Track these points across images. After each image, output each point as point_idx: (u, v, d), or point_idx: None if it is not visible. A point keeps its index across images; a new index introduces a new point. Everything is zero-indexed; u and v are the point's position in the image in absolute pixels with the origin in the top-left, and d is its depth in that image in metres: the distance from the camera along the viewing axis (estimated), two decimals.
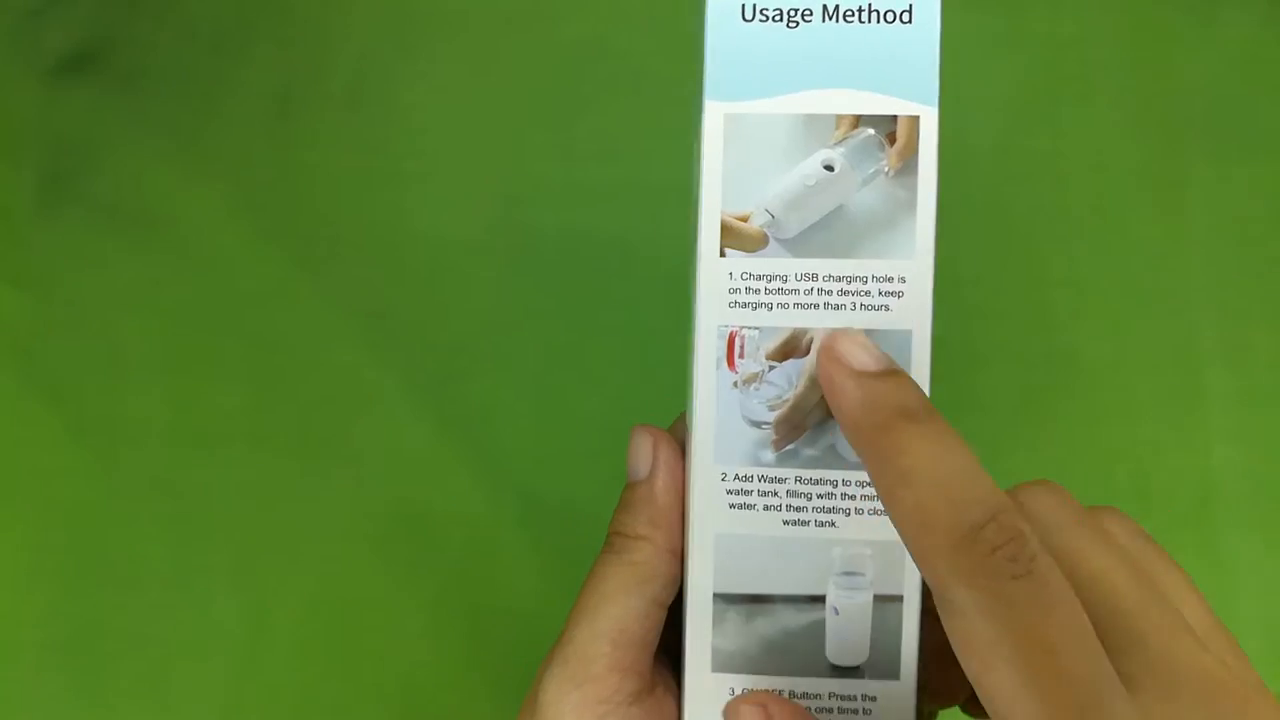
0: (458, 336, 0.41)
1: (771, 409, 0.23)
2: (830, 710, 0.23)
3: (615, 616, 0.23)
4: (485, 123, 0.42)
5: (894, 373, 0.20)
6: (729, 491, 0.23)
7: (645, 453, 0.24)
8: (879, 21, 0.21)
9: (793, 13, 0.21)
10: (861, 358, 0.20)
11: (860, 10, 0.21)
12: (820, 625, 0.23)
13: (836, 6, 0.21)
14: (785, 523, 0.23)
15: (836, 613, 0.23)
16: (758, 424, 0.23)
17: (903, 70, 0.22)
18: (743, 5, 0.21)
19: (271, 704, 0.39)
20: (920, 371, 0.23)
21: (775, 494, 0.23)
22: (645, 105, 0.42)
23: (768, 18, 0.21)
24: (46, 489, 0.40)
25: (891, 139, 0.22)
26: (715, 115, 0.21)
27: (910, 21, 0.22)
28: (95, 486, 0.40)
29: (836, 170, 0.21)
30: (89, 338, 0.41)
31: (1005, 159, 0.42)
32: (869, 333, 0.22)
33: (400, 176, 0.42)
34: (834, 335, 0.21)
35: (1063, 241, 0.42)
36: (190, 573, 0.40)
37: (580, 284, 0.41)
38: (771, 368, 0.23)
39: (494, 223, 0.42)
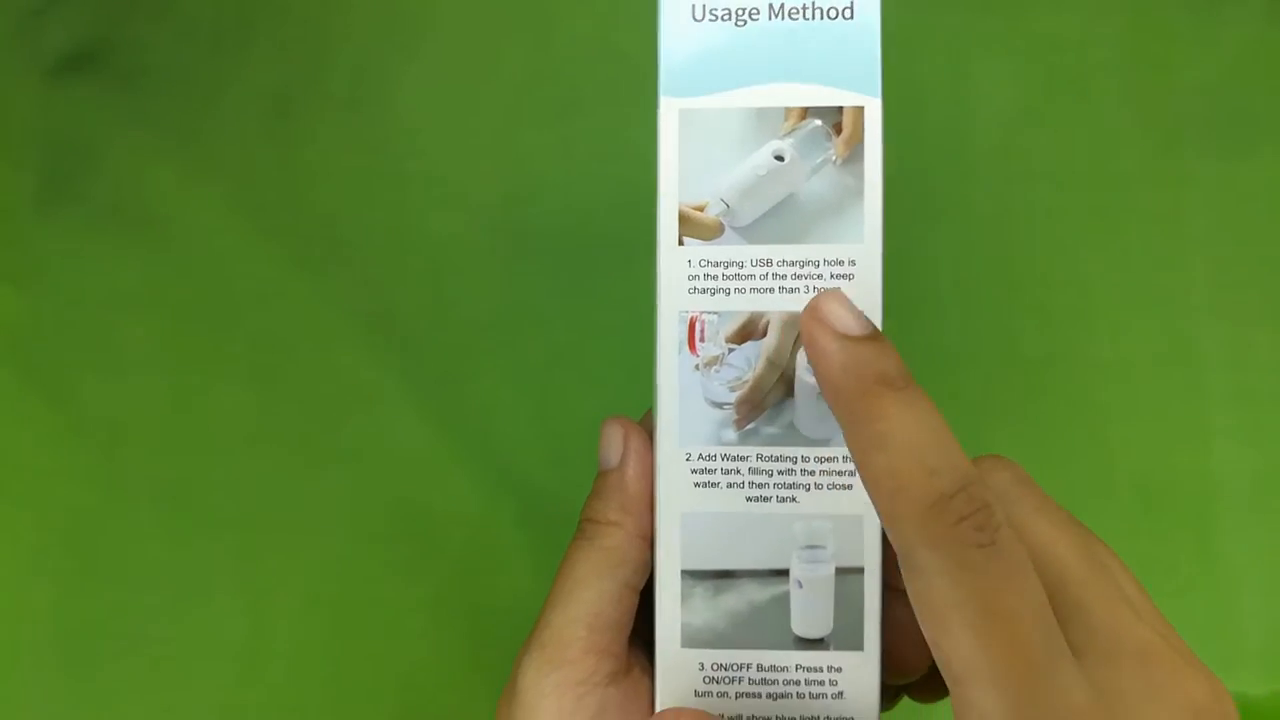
0: (458, 336, 0.41)
1: (732, 390, 0.24)
2: (797, 682, 0.24)
3: (589, 601, 0.24)
4: (485, 123, 0.42)
5: (876, 338, 0.21)
6: (693, 471, 0.24)
7: (616, 442, 0.25)
8: (822, 18, 0.23)
9: (740, 12, 0.23)
10: (845, 320, 0.21)
11: (804, 8, 0.22)
12: (785, 599, 0.24)
13: (782, 5, 0.22)
14: (748, 499, 0.24)
15: (800, 586, 0.24)
16: (719, 405, 0.24)
17: (846, 64, 0.23)
18: (693, 5, 0.22)
19: (271, 703, 0.39)
20: None
21: (738, 472, 0.24)
22: (645, 105, 0.42)
23: (717, 17, 0.22)
24: (46, 489, 0.40)
25: (838, 129, 0.23)
26: (670, 111, 0.23)
27: (852, 17, 0.23)
28: (95, 486, 0.40)
29: (786, 160, 0.22)
30: (89, 337, 0.41)
31: (1005, 159, 0.42)
32: None
33: (400, 176, 0.42)
34: (820, 295, 0.21)
35: (1063, 241, 0.42)
36: (190, 573, 0.40)
37: (580, 284, 0.41)
38: (731, 350, 0.24)
39: (494, 223, 0.42)
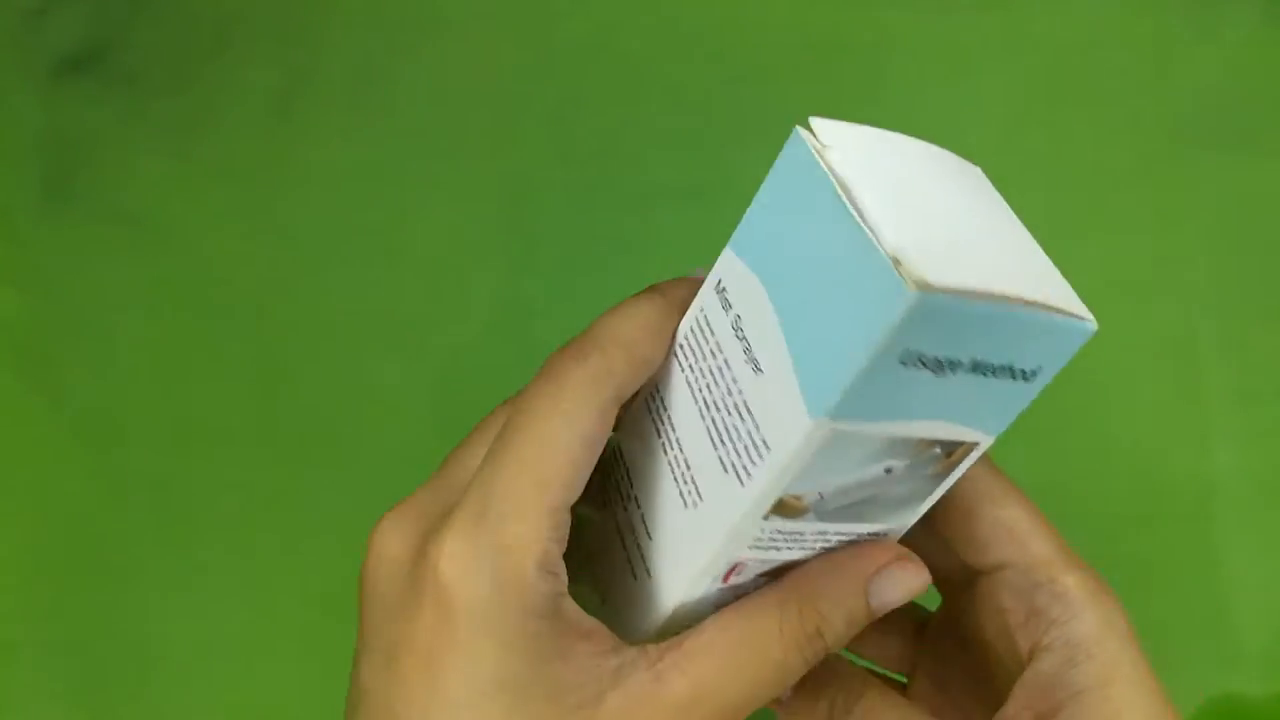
0: (457, 337, 0.41)
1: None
2: None
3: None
4: (485, 122, 0.42)
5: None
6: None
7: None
8: (1011, 378, 0.21)
9: (949, 364, 0.20)
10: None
11: (1002, 369, 0.21)
12: None
13: (984, 362, 0.21)
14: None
15: None
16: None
17: (997, 412, 0.22)
18: (905, 349, 0.19)
19: (271, 704, 0.39)
20: None
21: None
22: (645, 105, 0.42)
23: (924, 365, 0.20)
24: (45, 489, 0.40)
25: (948, 452, 0.22)
26: (824, 429, 0.20)
27: (1029, 380, 0.21)
28: (95, 486, 0.40)
29: (893, 474, 0.22)
30: (89, 337, 0.41)
31: (1005, 160, 0.42)
32: None
33: (400, 176, 0.42)
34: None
35: (1063, 241, 0.42)
36: (190, 573, 0.40)
37: (580, 284, 0.41)
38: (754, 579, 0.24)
39: (494, 223, 0.42)
